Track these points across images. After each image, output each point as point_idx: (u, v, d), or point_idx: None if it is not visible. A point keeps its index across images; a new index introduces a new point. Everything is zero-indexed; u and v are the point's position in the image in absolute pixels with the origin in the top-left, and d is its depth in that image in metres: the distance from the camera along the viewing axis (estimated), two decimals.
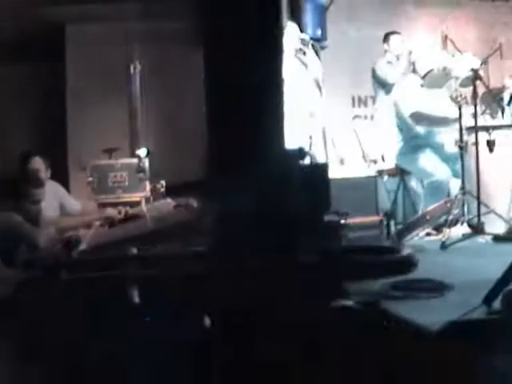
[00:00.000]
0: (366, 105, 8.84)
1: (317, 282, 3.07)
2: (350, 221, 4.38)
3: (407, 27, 8.68)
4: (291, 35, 5.99)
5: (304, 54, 5.94)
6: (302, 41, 5.96)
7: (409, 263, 3.64)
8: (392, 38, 7.45)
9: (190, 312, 3.03)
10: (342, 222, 4.19)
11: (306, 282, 3.05)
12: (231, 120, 3.31)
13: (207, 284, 3.09)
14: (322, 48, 7.65)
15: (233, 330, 2.93)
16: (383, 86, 6.99)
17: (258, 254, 3.07)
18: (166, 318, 3.00)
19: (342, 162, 6.75)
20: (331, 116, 6.92)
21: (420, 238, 5.30)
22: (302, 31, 6.19)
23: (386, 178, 6.25)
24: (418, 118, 5.81)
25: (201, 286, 3.10)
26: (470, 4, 9.69)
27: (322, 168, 4.27)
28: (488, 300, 2.65)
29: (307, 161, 4.68)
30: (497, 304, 2.60)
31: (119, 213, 4.82)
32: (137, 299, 3.23)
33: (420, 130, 5.93)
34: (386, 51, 7.43)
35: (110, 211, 4.94)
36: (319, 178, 3.86)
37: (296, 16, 7.57)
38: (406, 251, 3.91)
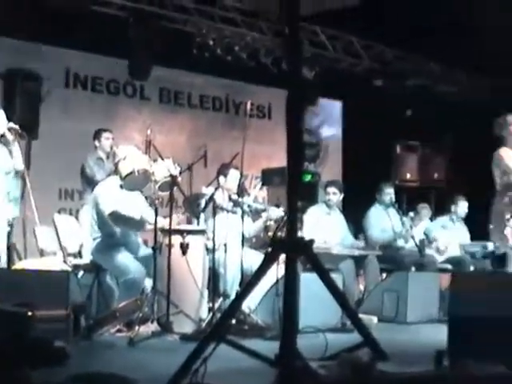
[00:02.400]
0: (72, 198, 8.88)
1: None
2: (38, 313, 4.37)
3: (119, 126, 8.99)
4: None
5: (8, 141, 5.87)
6: (9, 129, 5.91)
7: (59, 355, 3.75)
8: (104, 135, 7.63)
9: None
10: (29, 313, 4.17)
11: None
12: None
13: None
14: (33, 138, 7.63)
15: None
16: (90, 182, 7.09)
17: None
18: None
19: (42, 253, 6.68)
20: (34, 207, 6.86)
21: (111, 334, 5.37)
22: (10, 119, 6.13)
23: (81, 272, 6.29)
24: (116, 217, 5.95)
25: None
26: (182, 111, 10.31)
27: None
28: None
29: None
30: None
31: None
32: None
33: (117, 229, 6.07)
34: (96, 148, 7.57)
35: None
36: None
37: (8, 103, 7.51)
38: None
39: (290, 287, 2.87)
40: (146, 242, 6.59)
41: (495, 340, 3.62)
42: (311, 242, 3.16)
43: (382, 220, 8.43)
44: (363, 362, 2.55)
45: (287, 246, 3.02)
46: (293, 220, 3.11)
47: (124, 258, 5.94)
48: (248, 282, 3.34)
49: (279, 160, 10.03)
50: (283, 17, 3.09)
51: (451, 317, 3.94)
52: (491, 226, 6.69)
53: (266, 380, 2.81)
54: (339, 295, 3.40)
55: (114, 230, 6.02)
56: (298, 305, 2.98)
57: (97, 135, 7.59)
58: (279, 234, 5.54)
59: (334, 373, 2.46)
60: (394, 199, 8.53)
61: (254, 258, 6.20)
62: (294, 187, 3.15)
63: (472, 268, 8.25)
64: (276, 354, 2.74)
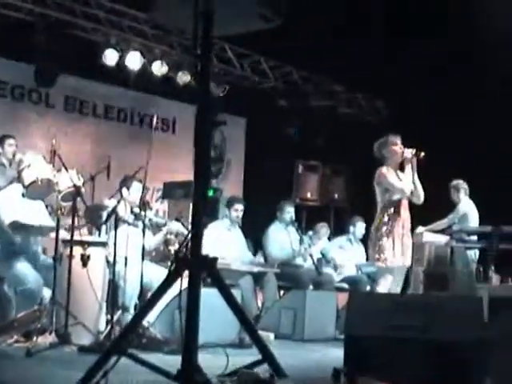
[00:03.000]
0: None
1: None
2: None
3: (22, 132, 8.84)
4: None
5: None
6: None
7: None
8: (7, 141, 7.49)
9: None
10: None
11: None
12: None
13: None
14: None
15: None
16: None
17: None
18: None
19: None
20: None
21: (8, 344, 5.26)
22: None
23: None
24: (16, 226, 5.86)
25: None
26: (86, 120, 10.21)
27: None
28: None
29: None
30: None
31: None
32: None
33: (17, 238, 5.97)
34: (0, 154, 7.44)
35: None
36: None
37: None
38: None
39: (192, 303, 2.91)
40: (44, 251, 6.51)
41: (391, 358, 3.77)
42: (215, 259, 3.22)
43: (282, 238, 8.57)
44: (262, 378, 2.62)
45: (192, 262, 3.07)
46: (197, 236, 3.16)
47: (23, 267, 5.83)
48: (151, 297, 3.36)
49: (182, 174, 10.08)
50: (195, 34, 3.13)
51: (348, 335, 4.06)
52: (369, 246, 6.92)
53: None
54: (239, 311, 3.47)
55: (14, 239, 5.92)
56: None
57: (0, 141, 7.46)
58: (183, 249, 5.55)
59: None
60: (294, 217, 8.69)
61: (154, 272, 6.22)
62: (200, 204, 3.20)
63: (368, 288, 8.47)
64: (178, 369, 2.79)
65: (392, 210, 6.65)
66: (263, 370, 2.86)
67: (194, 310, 2.89)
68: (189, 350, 2.78)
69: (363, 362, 3.43)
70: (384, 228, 6.61)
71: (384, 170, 6.71)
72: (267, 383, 2.57)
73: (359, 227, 9.32)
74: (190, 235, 3.17)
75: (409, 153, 6.70)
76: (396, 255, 6.60)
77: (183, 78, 10.01)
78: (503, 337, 4.41)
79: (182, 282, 3.25)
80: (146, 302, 3.31)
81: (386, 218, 6.64)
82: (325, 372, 3.52)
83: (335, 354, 5.43)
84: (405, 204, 6.72)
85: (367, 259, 9.32)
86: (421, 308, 4.14)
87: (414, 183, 6.73)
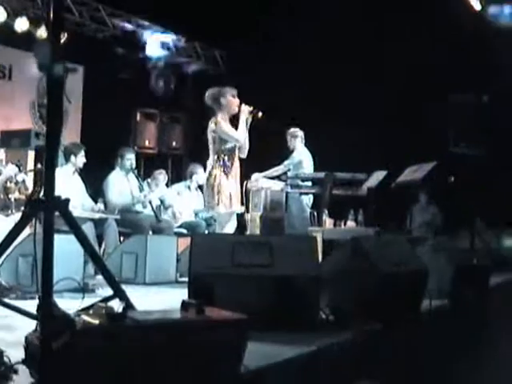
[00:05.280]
0: None
1: None
2: None
3: None
4: None
5: None
6: None
7: None
8: None
9: None
10: None
11: None
12: None
13: None
14: None
15: None
16: None
17: None
18: None
19: None
20: None
21: None
22: None
23: None
24: None
25: None
26: None
27: None
28: None
29: None
30: None
31: None
32: None
33: None
34: None
35: None
36: None
37: None
38: None
39: (48, 244, 3.00)
40: None
41: (235, 294, 4.07)
42: (68, 200, 3.33)
43: (122, 185, 8.67)
44: (116, 311, 2.78)
45: (45, 204, 3.15)
46: (50, 179, 3.23)
47: None
48: (3, 242, 3.41)
49: (18, 122, 9.87)
50: None
51: (192, 273, 4.29)
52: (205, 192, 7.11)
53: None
54: (92, 251, 3.62)
55: None
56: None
57: None
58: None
59: (92, 319, 2.67)
60: (134, 165, 8.79)
61: None
62: (53, 149, 3.27)
63: (206, 232, 8.75)
64: (37, 306, 2.91)
65: (226, 158, 6.87)
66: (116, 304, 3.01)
67: (48, 250, 2.98)
68: (46, 289, 2.88)
69: (208, 298, 3.67)
70: (219, 175, 6.82)
71: (219, 118, 6.89)
72: (121, 315, 2.74)
73: (200, 174, 9.45)
74: (42, 177, 3.23)
75: (246, 108, 6.93)
76: (232, 201, 6.86)
77: (21, 25, 9.71)
78: (333, 274, 4.83)
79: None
80: None
81: (220, 166, 6.86)
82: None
83: (179, 294, 5.66)
84: (236, 153, 6.96)
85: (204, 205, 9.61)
86: (262, 247, 4.45)
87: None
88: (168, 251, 7.66)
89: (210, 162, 6.92)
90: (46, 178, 3.22)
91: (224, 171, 6.82)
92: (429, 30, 9.94)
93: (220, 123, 6.84)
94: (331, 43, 10.25)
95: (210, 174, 6.88)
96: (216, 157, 6.86)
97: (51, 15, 3.31)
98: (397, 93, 10.28)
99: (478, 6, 10.28)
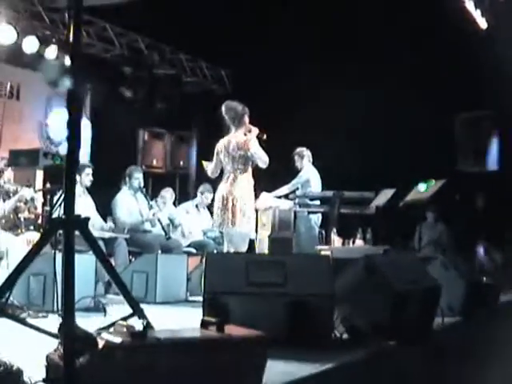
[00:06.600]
0: None
1: None
2: None
3: None
4: None
5: None
6: None
7: None
8: None
9: None
10: None
11: None
12: None
13: None
14: None
15: None
16: None
17: None
18: None
19: None
20: None
21: None
22: None
23: None
24: None
25: None
26: None
27: None
28: None
29: None
30: None
31: None
32: None
33: None
34: None
35: None
36: None
37: None
38: None
39: (68, 263, 3.01)
40: None
41: (250, 313, 4.08)
42: (88, 219, 3.35)
43: (130, 204, 8.68)
44: (137, 329, 2.79)
45: (65, 222, 3.17)
46: (70, 198, 3.26)
47: None
48: (22, 260, 3.42)
49: (26, 141, 9.91)
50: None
51: (207, 292, 4.29)
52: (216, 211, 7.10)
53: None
54: (110, 268, 3.63)
55: None
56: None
57: None
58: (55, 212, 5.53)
59: (113, 338, 2.68)
60: (142, 184, 8.81)
61: (4, 239, 6.18)
62: (72, 168, 3.30)
63: (215, 251, 8.73)
64: (59, 326, 2.91)
65: (250, 176, 6.88)
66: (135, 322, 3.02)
67: (69, 268, 2.99)
68: (68, 308, 2.89)
69: (223, 316, 3.68)
70: (244, 194, 6.81)
71: (250, 136, 6.83)
72: (142, 333, 2.75)
73: (209, 194, 9.46)
74: (62, 196, 3.26)
75: (255, 130, 6.94)
76: (243, 220, 6.85)
77: (30, 44, 9.76)
78: (346, 292, 4.84)
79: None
80: (18, 265, 3.36)
81: (247, 184, 6.85)
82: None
83: (190, 313, 5.67)
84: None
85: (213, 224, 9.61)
86: (276, 266, 4.46)
87: None
88: (178, 270, 7.66)
89: (229, 181, 6.85)
90: (65, 196, 3.25)
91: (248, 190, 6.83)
92: (439, 47, 9.98)
93: (253, 142, 6.80)
94: (338, 63, 10.30)
95: (229, 193, 6.79)
96: (241, 174, 6.83)
97: (71, 36, 3.33)
98: (404, 111, 10.32)
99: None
